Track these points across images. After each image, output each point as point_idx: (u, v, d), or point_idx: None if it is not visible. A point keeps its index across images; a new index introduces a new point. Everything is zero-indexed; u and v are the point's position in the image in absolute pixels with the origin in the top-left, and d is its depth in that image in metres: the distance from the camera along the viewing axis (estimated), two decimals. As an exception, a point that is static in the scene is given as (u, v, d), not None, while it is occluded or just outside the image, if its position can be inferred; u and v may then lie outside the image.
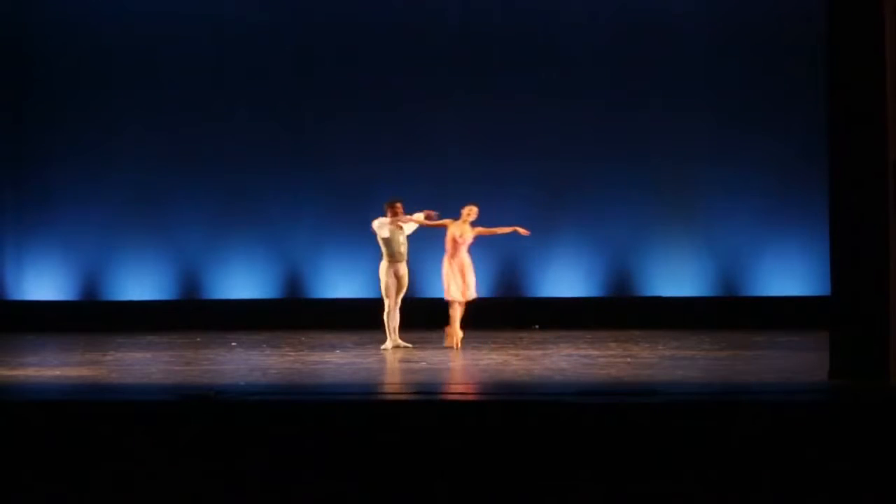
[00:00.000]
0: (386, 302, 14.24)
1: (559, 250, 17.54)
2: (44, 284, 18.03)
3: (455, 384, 11.06)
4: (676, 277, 17.42)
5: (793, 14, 16.59)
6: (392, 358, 13.43)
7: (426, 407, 8.93)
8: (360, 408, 8.89)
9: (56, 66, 18.01)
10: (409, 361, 12.93)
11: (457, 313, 14.22)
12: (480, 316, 16.93)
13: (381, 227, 14.18)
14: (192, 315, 17.27)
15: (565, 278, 17.55)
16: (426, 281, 15.88)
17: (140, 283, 17.89)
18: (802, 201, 16.76)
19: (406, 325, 14.40)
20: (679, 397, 9.36)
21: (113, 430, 8.38)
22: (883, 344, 9.74)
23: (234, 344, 14.91)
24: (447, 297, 14.21)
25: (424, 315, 14.98)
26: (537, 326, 16.85)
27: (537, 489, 8.01)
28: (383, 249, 14.19)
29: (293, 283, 17.20)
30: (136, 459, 8.24)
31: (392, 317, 14.28)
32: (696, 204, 17.44)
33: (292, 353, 13.96)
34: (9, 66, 18.05)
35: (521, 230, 14.44)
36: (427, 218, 14.30)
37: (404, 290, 14.30)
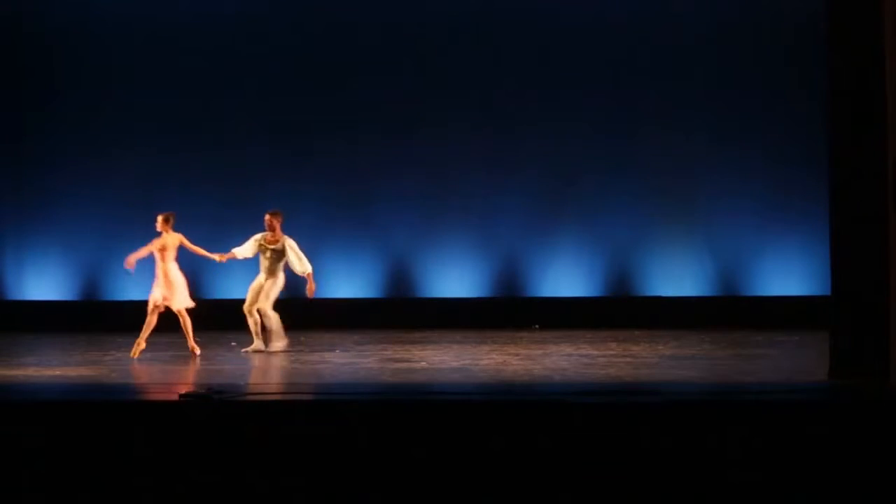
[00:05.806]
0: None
1: (559, 250, 17.54)
2: (44, 284, 18.02)
3: (455, 384, 11.05)
4: (676, 277, 17.43)
5: (794, 16, 16.64)
6: (390, 358, 13.43)
7: (426, 407, 8.91)
8: (360, 408, 8.88)
9: (56, 66, 18.03)
10: (409, 361, 12.92)
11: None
12: (481, 316, 16.99)
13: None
14: (192, 315, 17.23)
15: (565, 278, 17.55)
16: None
17: (140, 283, 17.85)
18: (802, 201, 16.77)
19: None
20: (679, 397, 9.35)
21: (113, 430, 8.37)
22: (883, 344, 9.73)
23: (234, 344, 14.90)
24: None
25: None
26: (537, 326, 16.84)
27: (537, 489, 8.02)
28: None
29: (293, 284, 17.15)
30: (136, 459, 8.24)
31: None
32: (696, 203, 17.45)
33: (292, 353, 13.96)
34: (9, 66, 18.05)
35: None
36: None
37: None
